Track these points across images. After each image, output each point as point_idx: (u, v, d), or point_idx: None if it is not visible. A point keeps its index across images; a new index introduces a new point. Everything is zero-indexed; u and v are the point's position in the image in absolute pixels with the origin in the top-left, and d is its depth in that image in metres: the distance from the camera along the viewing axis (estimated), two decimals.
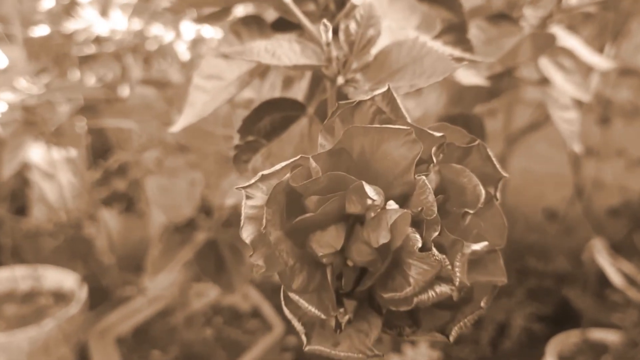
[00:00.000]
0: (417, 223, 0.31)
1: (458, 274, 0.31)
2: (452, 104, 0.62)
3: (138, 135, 1.14)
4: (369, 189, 0.31)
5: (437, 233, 0.31)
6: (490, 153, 0.36)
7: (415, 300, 0.32)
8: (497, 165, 0.36)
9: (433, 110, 0.67)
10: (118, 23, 1.14)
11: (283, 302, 0.33)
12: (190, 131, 0.82)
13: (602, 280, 1.38)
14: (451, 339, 0.33)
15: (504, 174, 0.36)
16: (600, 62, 0.70)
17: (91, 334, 1.33)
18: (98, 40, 1.17)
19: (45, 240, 1.46)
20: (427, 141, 0.34)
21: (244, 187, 0.31)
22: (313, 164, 0.31)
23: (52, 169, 1.42)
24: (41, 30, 1.20)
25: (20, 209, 1.53)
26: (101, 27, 1.13)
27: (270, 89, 0.52)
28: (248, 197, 0.31)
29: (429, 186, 0.31)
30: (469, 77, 0.56)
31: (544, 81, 0.70)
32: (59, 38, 1.19)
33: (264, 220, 0.30)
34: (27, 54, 1.26)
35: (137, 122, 1.00)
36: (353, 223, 0.33)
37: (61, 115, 1.00)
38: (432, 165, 0.33)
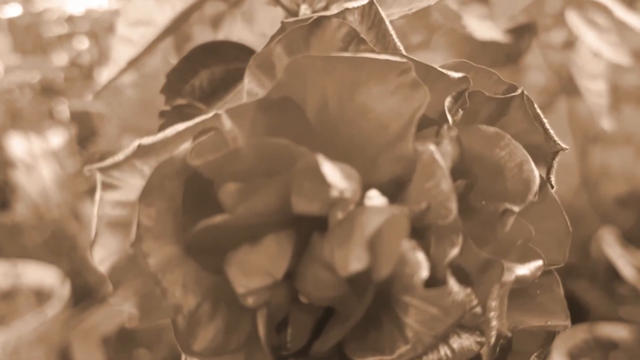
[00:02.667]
0: (419, 231, 0.16)
1: (494, 322, 0.16)
2: None
3: (114, 121, 0.99)
4: (331, 170, 0.15)
5: (457, 249, 0.16)
6: (539, 111, 0.20)
7: None
8: (551, 131, 0.20)
9: None
10: (96, 1, 1.00)
11: None
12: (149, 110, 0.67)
13: (610, 273, 1.25)
14: None
15: (562, 145, 0.21)
16: (638, 22, 0.54)
17: (74, 334, 1.19)
18: (71, 19, 1.03)
19: (29, 235, 1.32)
20: (438, 87, 0.18)
21: (100, 169, 0.16)
22: (228, 124, 0.16)
23: (33, 161, 1.28)
24: (13, 11, 1.06)
25: (4, 203, 1.38)
26: (75, 5, 0.98)
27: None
28: (107, 187, 0.16)
29: (442, 164, 0.16)
30: (484, 30, 0.40)
31: (569, 44, 0.55)
32: (29, 17, 1.04)
33: (135, 229, 0.15)
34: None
35: (108, 105, 0.85)
36: (308, 230, 0.17)
37: (22, 98, 0.85)
38: (446, 127, 0.17)
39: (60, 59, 1.04)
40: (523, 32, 0.49)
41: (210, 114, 0.17)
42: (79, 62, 1.03)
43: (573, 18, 0.49)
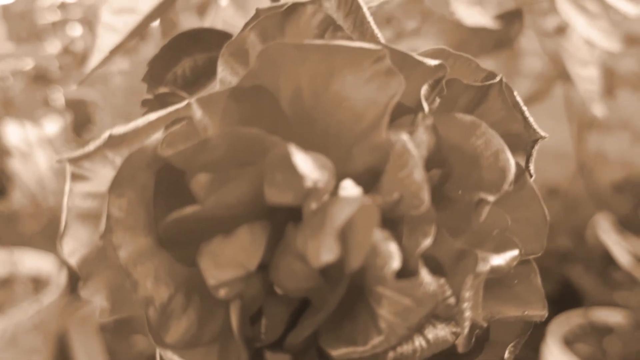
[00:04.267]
0: (392, 221, 0.16)
1: (468, 312, 0.16)
2: None
3: (107, 108, 0.98)
4: (303, 160, 0.15)
5: (429, 239, 0.16)
6: (519, 99, 0.20)
7: (391, 356, 0.16)
8: (530, 119, 0.20)
9: None
10: None
11: None
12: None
13: (605, 259, 1.25)
14: None
15: (542, 133, 0.20)
16: (629, 7, 0.54)
17: (72, 322, 1.20)
18: (64, 5, 1.02)
19: (25, 223, 1.32)
20: (415, 75, 0.18)
21: (70, 160, 0.16)
22: (198, 113, 0.15)
23: (29, 148, 1.27)
24: None
25: (0, 191, 1.38)
26: None
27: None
28: (77, 178, 0.16)
29: (415, 153, 0.15)
30: (473, 16, 0.40)
31: (560, 31, 0.54)
32: (23, 4, 1.03)
33: (105, 220, 0.15)
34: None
35: (99, 93, 0.85)
36: (283, 221, 0.17)
37: (16, 85, 0.85)
38: (421, 116, 0.17)
39: (54, 46, 1.03)
40: (513, 18, 0.49)
41: (183, 103, 0.17)
42: (72, 50, 1.02)
43: (563, 4, 0.49)
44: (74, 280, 1.26)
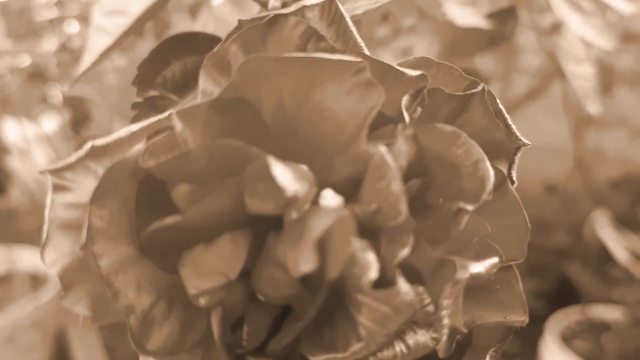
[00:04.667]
0: (371, 232, 0.16)
1: (446, 320, 0.16)
2: (446, 54, 0.46)
3: (104, 106, 0.99)
4: (282, 172, 0.15)
5: (407, 249, 0.16)
6: (502, 106, 0.20)
7: None
8: (513, 126, 0.20)
9: None
10: None
11: None
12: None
13: (603, 255, 1.25)
14: None
15: (524, 141, 0.21)
16: (624, 5, 0.54)
17: (70, 319, 1.20)
18: (61, 2, 1.02)
19: (24, 220, 1.32)
20: (396, 85, 0.18)
21: (52, 171, 0.16)
22: (179, 125, 0.16)
23: (27, 146, 1.28)
24: None
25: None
26: None
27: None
28: (59, 189, 0.16)
29: (392, 164, 0.16)
30: (465, 17, 0.40)
31: (555, 28, 0.54)
32: (21, 1, 1.03)
33: (86, 231, 0.15)
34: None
35: (96, 91, 0.85)
36: (265, 230, 0.17)
37: (13, 82, 0.85)
38: (401, 126, 0.17)
39: (51, 43, 1.03)
40: (506, 16, 0.49)
41: (165, 114, 0.17)
42: (69, 47, 1.02)
43: (558, 2, 0.49)
44: None
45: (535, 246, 1.42)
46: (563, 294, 1.34)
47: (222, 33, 0.30)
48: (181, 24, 0.41)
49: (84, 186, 0.16)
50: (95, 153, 0.16)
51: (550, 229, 1.47)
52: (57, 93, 1.15)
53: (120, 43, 0.32)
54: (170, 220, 0.15)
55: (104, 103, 0.91)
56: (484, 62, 1.20)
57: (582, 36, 0.48)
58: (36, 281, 1.23)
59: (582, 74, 0.57)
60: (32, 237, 1.32)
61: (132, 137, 0.16)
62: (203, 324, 0.17)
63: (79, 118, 1.27)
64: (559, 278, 1.38)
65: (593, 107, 0.60)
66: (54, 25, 1.04)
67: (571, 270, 1.37)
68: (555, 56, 0.63)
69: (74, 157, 0.16)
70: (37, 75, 0.95)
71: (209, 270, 0.16)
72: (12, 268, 1.25)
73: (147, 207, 0.17)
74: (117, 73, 0.91)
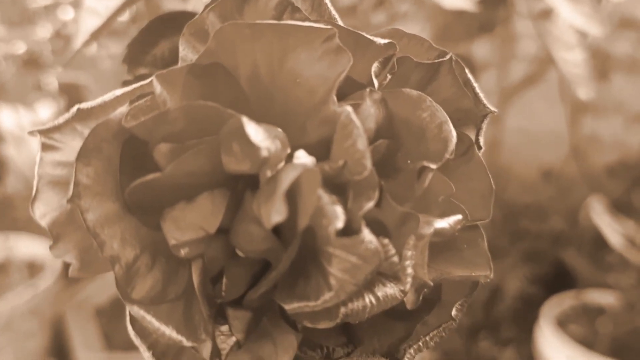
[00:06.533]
0: (339, 186, 0.17)
1: (409, 269, 0.18)
2: (438, 40, 0.47)
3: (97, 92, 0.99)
4: (255, 131, 0.17)
5: (372, 203, 0.17)
6: (470, 76, 0.22)
7: (343, 311, 0.18)
8: (481, 95, 0.22)
9: None
10: None
11: (128, 319, 0.19)
12: None
13: (598, 241, 1.26)
14: None
15: (491, 108, 0.22)
16: None
17: (68, 306, 1.21)
18: None
19: (20, 208, 1.33)
20: (367, 53, 0.19)
21: (41, 131, 0.17)
22: (158, 88, 0.17)
23: (23, 133, 1.28)
24: None
25: None
26: None
27: None
28: (48, 148, 0.17)
29: (358, 123, 0.17)
30: (452, 0, 0.41)
31: (544, 14, 0.55)
32: None
33: (73, 185, 0.16)
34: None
35: (92, 76, 0.86)
36: (243, 189, 0.19)
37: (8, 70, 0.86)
38: (369, 90, 0.19)
39: (46, 29, 1.04)
40: (497, 3, 0.50)
41: (147, 80, 0.18)
42: (63, 33, 1.03)
43: None
44: (70, 265, 1.27)
45: (530, 232, 1.44)
46: (558, 279, 1.35)
47: None
48: (172, 6, 0.42)
49: (72, 147, 0.17)
50: (82, 115, 0.18)
51: (546, 215, 1.48)
52: (52, 80, 1.16)
53: (110, 23, 0.33)
54: (151, 176, 0.17)
55: (99, 90, 0.92)
56: (481, 49, 1.20)
57: (572, 23, 0.49)
58: (33, 269, 1.24)
59: (572, 60, 0.58)
60: (29, 225, 1.33)
61: (116, 101, 0.18)
62: (185, 277, 0.18)
63: (74, 105, 1.28)
64: (554, 263, 1.39)
65: (584, 93, 0.61)
66: (49, 12, 1.05)
67: (566, 255, 1.38)
68: (546, 43, 0.63)
69: (61, 119, 0.17)
70: (32, 62, 0.95)
71: (188, 225, 0.18)
72: (9, 256, 1.26)
73: (131, 167, 0.18)
74: (112, 60, 0.92)
